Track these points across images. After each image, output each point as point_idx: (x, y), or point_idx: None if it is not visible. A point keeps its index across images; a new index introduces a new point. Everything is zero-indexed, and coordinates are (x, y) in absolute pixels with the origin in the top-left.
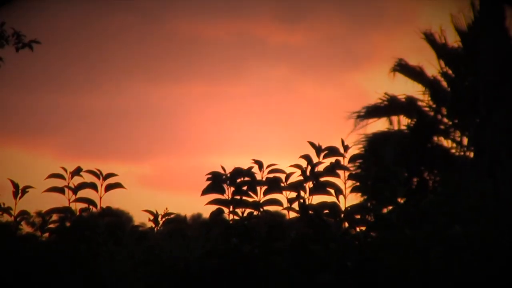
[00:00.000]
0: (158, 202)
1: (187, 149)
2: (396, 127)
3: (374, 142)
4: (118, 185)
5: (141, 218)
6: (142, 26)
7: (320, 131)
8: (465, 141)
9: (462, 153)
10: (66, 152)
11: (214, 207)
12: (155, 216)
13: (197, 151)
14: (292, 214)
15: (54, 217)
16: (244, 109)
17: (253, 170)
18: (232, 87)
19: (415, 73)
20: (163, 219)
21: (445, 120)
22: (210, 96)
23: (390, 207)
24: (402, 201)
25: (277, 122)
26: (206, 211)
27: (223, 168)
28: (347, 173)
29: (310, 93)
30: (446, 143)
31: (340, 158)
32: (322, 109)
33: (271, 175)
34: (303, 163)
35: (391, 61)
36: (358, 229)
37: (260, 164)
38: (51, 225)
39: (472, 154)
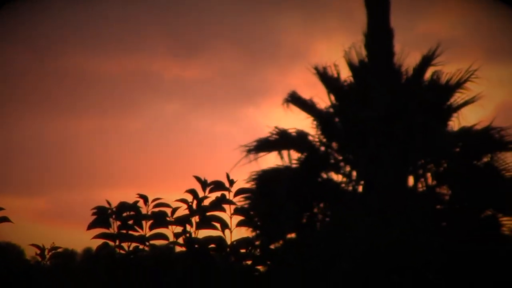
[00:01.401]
0: (52, 236)
1: (81, 183)
2: (286, 162)
3: (265, 177)
4: (5, 219)
5: (32, 252)
6: (35, 61)
7: (213, 166)
8: (355, 175)
9: (351, 188)
10: None
11: (101, 241)
12: (42, 250)
13: (91, 185)
14: (180, 248)
15: None
16: (135, 143)
17: (139, 204)
18: (124, 122)
19: (307, 106)
20: (50, 253)
21: (336, 154)
22: (102, 131)
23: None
24: (292, 236)
25: (168, 157)
26: (97, 245)
27: (108, 202)
28: (233, 207)
29: (203, 128)
30: (337, 177)
31: (226, 193)
32: (215, 144)
33: (156, 209)
34: (190, 197)
35: (285, 95)
36: (244, 263)
37: (145, 198)
38: None
39: (361, 189)
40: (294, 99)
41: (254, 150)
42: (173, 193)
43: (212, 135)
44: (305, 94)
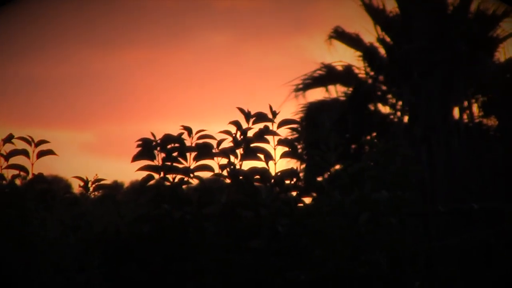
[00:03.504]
0: (99, 168)
1: (130, 115)
2: (333, 96)
3: (312, 109)
4: (49, 152)
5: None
6: None
7: (264, 97)
8: (401, 107)
9: (397, 119)
10: (10, 120)
11: (146, 174)
12: (86, 182)
13: (140, 117)
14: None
15: None
16: (187, 75)
17: (184, 136)
18: (176, 53)
19: (352, 40)
20: (94, 185)
21: (382, 86)
22: (153, 62)
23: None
24: (338, 168)
25: (220, 89)
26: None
27: (153, 134)
28: (277, 139)
29: (254, 59)
30: (383, 109)
31: (269, 124)
32: (266, 75)
33: (200, 141)
34: (234, 129)
35: (333, 28)
36: (289, 194)
37: (189, 130)
38: None
39: (407, 120)
40: (339, 34)
41: (302, 89)
42: (221, 125)
43: (263, 67)
44: (355, 24)
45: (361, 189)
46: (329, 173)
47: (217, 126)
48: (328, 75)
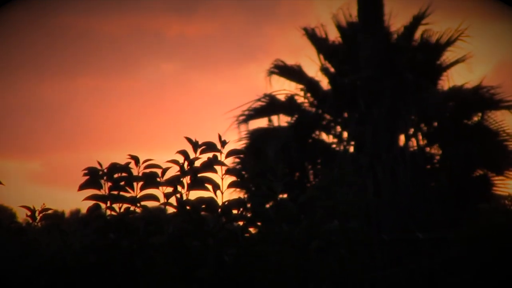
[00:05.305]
0: (46, 197)
1: (77, 144)
2: (276, 125)
3: (255, 138)
4: None
5: (24, 214)
6: (31, 20)
7: (212, 126)
8: (346, 136)
9: (342, 148)
10: None
11: (92, 203)
12: (33, 211)
13: (88, 146)
14: (171, 210)
15: None
16: (135, 103)
17: (131, 165)
18: (124, 82)
19: (293, 73)
20: (41, 215)
21: (326, 115)
22: (100, 91)
23: (271, 203)
24: (283, 196)
25: (164, 118)
26: (85, 206)
27: (99, 163)
28: (224, 169)
29: (203, 87)
30: (327, 138)
31: (218, 154)
32: (214, 103)
33: (147, 170)
34: (182, 159)
35: (281, 55)
36: (236, 224)
37: (136, 160)
38: None
39: (352, 149)
40: (279, 69)
41: (244, 120)
42: (168, 154)
43: (211, 95)
44: (303, 53)
45: (310, 218)
46: (274, 202)
47: (165, 155)
48: (270, 105)
